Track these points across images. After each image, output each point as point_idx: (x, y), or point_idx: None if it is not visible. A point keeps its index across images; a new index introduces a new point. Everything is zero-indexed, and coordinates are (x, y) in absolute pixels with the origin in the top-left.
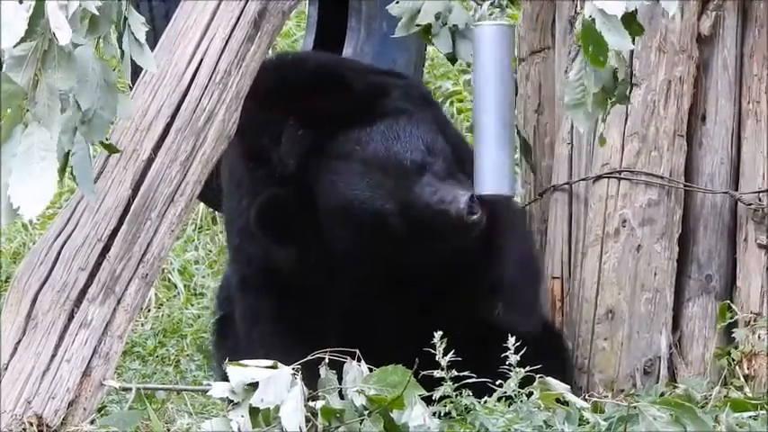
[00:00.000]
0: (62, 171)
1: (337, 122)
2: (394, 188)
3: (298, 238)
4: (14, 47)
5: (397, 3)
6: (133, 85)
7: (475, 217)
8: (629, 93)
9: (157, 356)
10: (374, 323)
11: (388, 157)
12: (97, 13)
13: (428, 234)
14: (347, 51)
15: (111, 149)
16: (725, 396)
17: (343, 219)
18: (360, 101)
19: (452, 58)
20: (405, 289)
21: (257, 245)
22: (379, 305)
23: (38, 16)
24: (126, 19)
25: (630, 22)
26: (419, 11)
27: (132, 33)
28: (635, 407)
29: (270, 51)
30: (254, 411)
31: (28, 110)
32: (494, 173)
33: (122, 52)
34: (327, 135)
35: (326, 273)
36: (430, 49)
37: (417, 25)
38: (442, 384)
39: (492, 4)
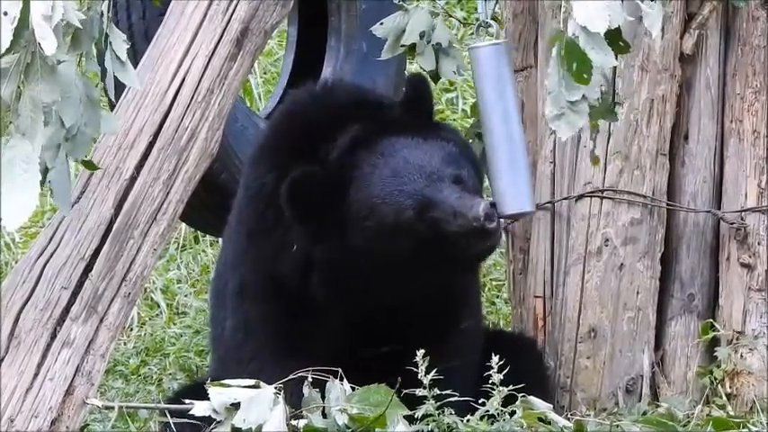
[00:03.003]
0: (41, 186)
1: (387, 128)
2: (422, 189)
3: (320, 220)
4: None
5: (382, 24)
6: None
7: (493, 224)
8: (614, 109)
9: (140, 375)
10: (365, 346)
11: (423, 163)
12: (80, 26)
13: (443, 236)
14: (327, 71)
15: (91, 167)
16: (707, 415)
17: (369, 211)
18: (405, 114)
19: (435, 77)
20: (398, 306)
21: (266, 243)
22: (368, 326)
23: (23, 27)
24: (107, 36)
25: (616, 38)
26: (404, 31)
27: (114, 51)
28: (617, 425)
29: (252, 70)
30: (236, 431)
31: (11, 122)
32: (512, 192)
33: (104, 69)
34: (375, 135)
35: (331, 279)
36: (412, 67)
37: (402, 45)
38: (425, 403)
39: (480, 26)
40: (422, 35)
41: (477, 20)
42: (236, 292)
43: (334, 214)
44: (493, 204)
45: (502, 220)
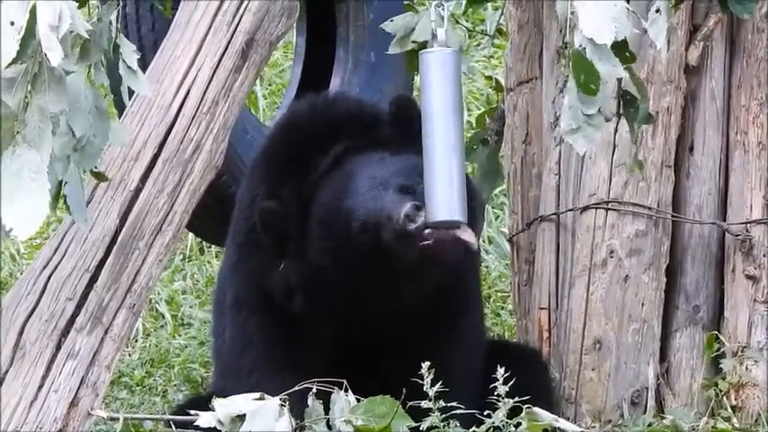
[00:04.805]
0: (55, 199)
1: (367, 145)
2: (366, 200)
3: (294, 246)
4: (6, 68)
5: (392, 21)
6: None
7: (412, 226)
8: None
9: (145, 386)
10: (361, 355)
11: (376, 175)
12: (87, 37)
13: (380, 243)
14: (335, 81)
15: (101, 178)
16: (712, 427)
17: (325, 231)
18: (391, 132)
19: None
20: (381, 319)
21: (256, 257)
22: (362, 336)
23: (29, 38)
24: (118, 46)
25: (622, 49)
26: (413, 29)
27: (124, 60)
28: None
29: (257, 81)
30: None
31: (18, 132)
32: (443, 199)
33: (120, 77)
34: (352, 154)
35: (309, 298)
36: (418, 78)
37: (413, 42)
38: (430, 415)
39: (432, 33)
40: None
41: (484, 30)
42: (231, 304)
43: (302, 237)
44: (419, 207)
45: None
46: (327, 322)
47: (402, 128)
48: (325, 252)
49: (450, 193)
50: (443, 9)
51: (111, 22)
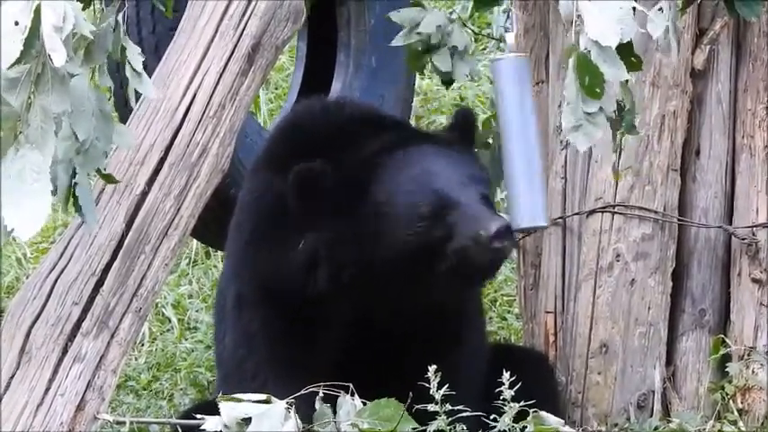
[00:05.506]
0: (65, 202)
1: (421, 139)
2: (447, 190)
3: (328, 215)
4: (9, 68)
5: (399, 12)
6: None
7: (498, 245)
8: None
9: (151, 390)
10: (367, 356)
11: (457, 167)
12: (91, 37)
13: (450, 238)
14: (336, 86)
15: (110, 180)
16: (719, 430)
17: (387, 197)
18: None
19: (449, 81)
20: (396, 317)
21: (263, 252)
22: (372, 332)
23: (33, 38)
24: (125, 49)
25: (628, 54)
26: (419, 23)
27: (129, 62)
28: None
29: (263, 85)
30: None
31: (21, 132)
32: (526, 205)
33: (121, 79)
34: (406, 144)
35: (337, 271)
36: (423, 83)
37: (418, 33)
38: (436, 418)
39: (500, 39)
40: (438, 28)
41: (490, 34)
42: (234, 304)
43: (350, 203)
44: (508, 229)
45: (510, 241)
46: (346, 303)
47: (463, 135)
48: (380, 220)
49: (533, 198)
50: (512, 13)
51: (117, 23)
